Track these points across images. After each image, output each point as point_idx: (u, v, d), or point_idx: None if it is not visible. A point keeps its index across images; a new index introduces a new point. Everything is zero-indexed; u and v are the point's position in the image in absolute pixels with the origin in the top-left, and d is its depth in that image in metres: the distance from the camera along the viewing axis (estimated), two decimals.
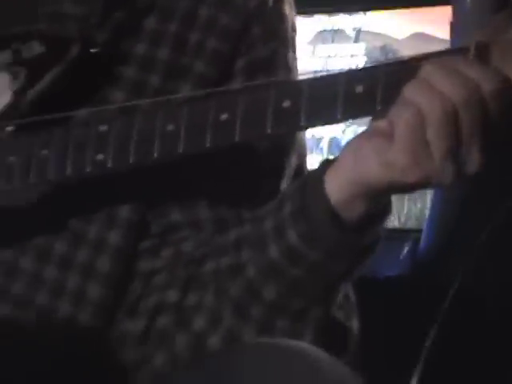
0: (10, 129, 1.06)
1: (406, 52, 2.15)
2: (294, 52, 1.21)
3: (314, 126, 0.97)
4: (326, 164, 0.96)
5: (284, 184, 1.15)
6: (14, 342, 1.06)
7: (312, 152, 2.39)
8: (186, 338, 1.07)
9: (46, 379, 1.06)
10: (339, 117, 0.92)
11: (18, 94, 1.07)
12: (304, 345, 0.96)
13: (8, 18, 1.14)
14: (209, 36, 1.12)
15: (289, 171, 1.16)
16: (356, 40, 2.32)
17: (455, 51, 0.91)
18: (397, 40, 2.28)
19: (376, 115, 0.91)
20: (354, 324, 1.07)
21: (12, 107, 1.07)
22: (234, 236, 1.08)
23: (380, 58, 2.23)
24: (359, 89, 0.90)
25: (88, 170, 1.02)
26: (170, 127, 0.98)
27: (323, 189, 0.93)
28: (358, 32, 2.31)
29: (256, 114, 0.95)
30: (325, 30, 2.43)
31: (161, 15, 1.14)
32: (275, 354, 0.94)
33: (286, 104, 0.93)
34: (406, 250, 2.45)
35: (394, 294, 2.17)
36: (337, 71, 1.10)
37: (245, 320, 1.03)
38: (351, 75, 0.93)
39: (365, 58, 2.35)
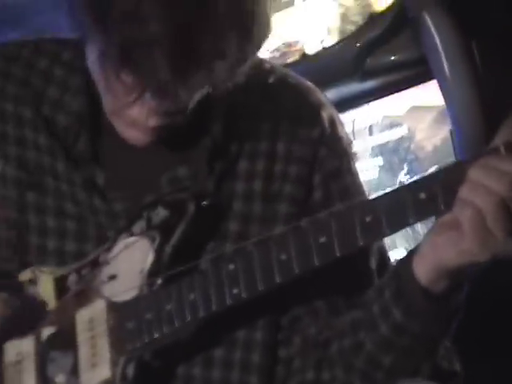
0: (159, 282, 1.25)
1: (409, 124, 2.33)
2: (352, 159, 1.43)
3: (393, 232, 1.16)
4: (410, 255, 1.18)
5: (372, 265, 1.36)
6: None
7: None
8: None
9: None
10: (411, 221, 1.12)
11: (158, 253, 1.26)
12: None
13: (137, 188, 1.32)
14: (289, 165, 1.35)
15: (373, 256, 1.36)
16: (370, 134, 2.40)
17: (489, 152, 1.10)
18: (400, 116, 2.38)
19: (440, 214, 1.12)
20: (457, 367, 1.30)
21: (156, 264, 1.26)
22: (349, 320, 1.29)
23: (388, 129, 2.37)
24: (422, 195, 1.09)
25: (229, 303, 1.21)
26: (283, 256, 1.18)
27: (413, 275, 1.16)
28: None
29: (347, 232, 1.15)
30: None
31: (249, 157, 1.35)
32: None
33: (368, 219, 1.14)
34: None
35: None
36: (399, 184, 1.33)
37: (371, 383, 1.27)
38: (413, 186, 1.12)
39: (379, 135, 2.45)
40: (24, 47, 1.44)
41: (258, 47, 1.22)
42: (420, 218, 1.13)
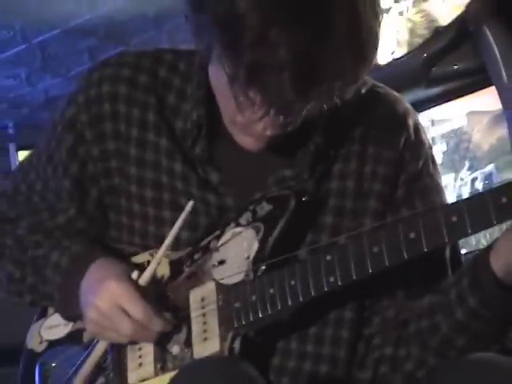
0: (263, 268, 1.33)
1: (469, 126, 2.45)
2: (434, 162, 1.49)
3: (476, 232, 1.23)
4: (487, 249, 1.25)
5: (447, 256, 1.43)
6: None
7: None
8: (401, 378, 1.39)
9: None
10: (495, 222, 1.18)
11: (263, 242, 1.33)
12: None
13: (246, 186, 1.40)
14: (377, 165, 1.42)
15: (447, 248, 1.43)
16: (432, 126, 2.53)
17: None
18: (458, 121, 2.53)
19: None
20: None
21: (261, 252, 1.33)
22: (427, 304, 1.36)
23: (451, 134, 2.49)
24: (504, 200, 1.16)
25: (326, 290, 1.28)
26: (375, 249, 1.26)
27: (490, 267, 1.24)
28: (432, 121, 2.54)
29: (434, 230, 1.22)
30: None
31: (343, 159, 1.42)
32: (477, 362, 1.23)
33: (454, 219, 1.21)
34: None
35: None
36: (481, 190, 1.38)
37: (445, 358, 1.34)
38: (495, 191, 1.19)
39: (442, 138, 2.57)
40: (143, 57, 1.49)
41: (369, 68, 1.27)
42: (501, 219, 1.18)
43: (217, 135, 1.42)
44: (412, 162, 1.45)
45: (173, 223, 1.40)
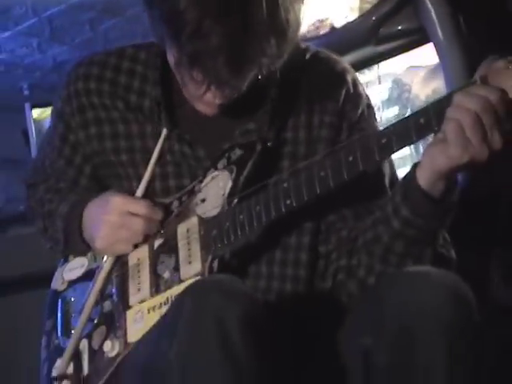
0: (235, 201, 1.44)
1: (407, 79, 2.56)
2: (370, 108, 1.61)
3: (401, 148, 1.32)
4: (414, 167, 1.33)
5: (386, 182, 1.54)
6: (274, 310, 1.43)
7: None
8: (356, 285, 1.50)
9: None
10: (415, 139, 1.27)
11: (235, 181, 1.46)
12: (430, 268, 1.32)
13: (216, 139, 1.53)
14: (323, 116, 1.54)
15: (387, 176, 1.55)
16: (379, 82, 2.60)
17: (471, 83, 1.26)
18: (400, 74, 2.60)
19: (435, 132, 1.27)
20: (452, 254, 1.45)
21: (234, 188, 1.46)
22: (370, 221, 1.46)
23: (394, 85, 2.61)
24: (422, 121, 1.26)
25: (283, 211, 1.39)
26: (322, 173, 1.36)
27: (417, 181, 1.31)
28: (379, 77, 2.62)
29: (368, 151, 1.32)
30: None
31: (295, 113, 1.54)
32: (413, 274, 1.32)
33: (384, 141, 1.30)
34: None
35: None
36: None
37: (387, 265, 1.43)
38: (415, 115, 1.28)
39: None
40: (108, 56, 1.62)
41: (292, 44, 1.37)
42: (420, 137, 1.29)
43: (181, 106, 1.53)
44: (352, 111, 1.56)
45: (161, 176, 1.57)
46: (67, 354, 1.55)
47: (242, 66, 1.33)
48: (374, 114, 1.63)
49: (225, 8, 1.28)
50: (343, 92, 1.57)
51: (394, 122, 1.36)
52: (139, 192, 1.55)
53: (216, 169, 1.51)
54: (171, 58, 1.39)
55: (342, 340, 1.41)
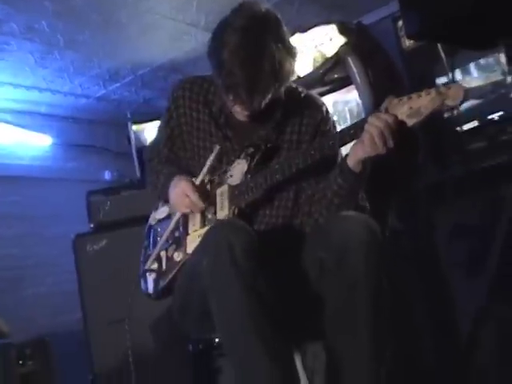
0: (249, 176, 1.91)
1: (334, 108, 3.08)
2: (334, 125, 2.01)
3: (342, 146, 1.76)
4: (346, 155, 1.71)
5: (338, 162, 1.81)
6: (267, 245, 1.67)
7: None
8: (313, 221, 1.90)
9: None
10: (348, 141, 1.69)
11: (249, 166, 1.95)
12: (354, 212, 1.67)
13: (244, 139, 1.94)
14: (308, 128, 1.97)
15: (338, 160, 1.87)
16: None
17: (378, 111, 1.60)
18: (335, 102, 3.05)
19: (357, 138, 1.67)
20: (367, 204, 1.87)
21: (248, 169, 1.95)
22: (322, 185, 1.86)
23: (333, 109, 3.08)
24: (352, 131, 1.69)
25: (277, 178, 1.80)
26: (296, 160, 1.75)
27: (347, 164, 1.72)
28: (334, 102, 3.20)
29: (323, 147, 1.75)
30: None
31: (291, 124, 1.95)
32: (346, 215, 1.70)
33: (331, 142, 1.71)
34: None
35: None
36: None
37: (330, 211, 1.84)
38: (347, 127, 1.70)
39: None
40: (196, 78, 2.06)
41: (286, 83, 1.79)
42: (351, 140, 1.72)
43: (231, 114, 1.93)
44: (324, 126, 1.99)
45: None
46: (152, 256, 2.03)
47: (254, 94, 1.72)
48: (335, 126, 2.03)
49: (246, 61, 1.67)
50: (320, 115, 2.00)
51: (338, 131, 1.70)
52: (198, 181, 1.96)
53: (239, 158, 1.98)
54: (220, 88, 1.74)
55: (306, 254, 1.79)
